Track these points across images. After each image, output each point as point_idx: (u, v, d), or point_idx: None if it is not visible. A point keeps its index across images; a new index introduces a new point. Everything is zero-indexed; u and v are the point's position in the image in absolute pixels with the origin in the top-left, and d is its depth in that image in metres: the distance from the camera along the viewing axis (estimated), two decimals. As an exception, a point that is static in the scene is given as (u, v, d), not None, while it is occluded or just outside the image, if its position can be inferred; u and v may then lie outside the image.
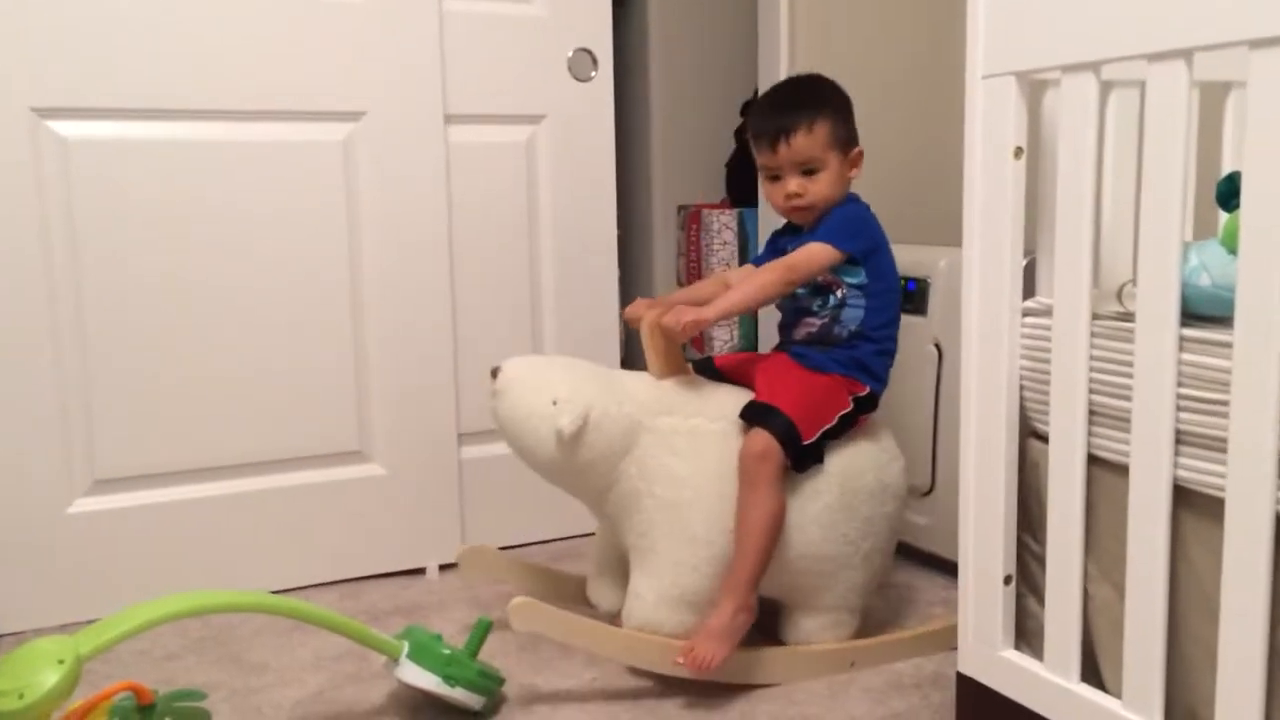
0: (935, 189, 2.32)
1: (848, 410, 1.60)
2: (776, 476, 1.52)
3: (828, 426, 1.58)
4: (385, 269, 2.01)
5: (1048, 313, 1.17)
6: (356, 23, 1.94)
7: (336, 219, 1.97)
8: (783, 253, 1.68)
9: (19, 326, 1.78)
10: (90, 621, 1.30)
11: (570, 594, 1.78)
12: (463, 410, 2.10)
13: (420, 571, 2.08)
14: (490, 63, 2.08)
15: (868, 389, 1.64)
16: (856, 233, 1.63)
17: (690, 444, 1.57)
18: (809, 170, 1.63)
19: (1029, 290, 1.24)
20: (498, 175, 2.12)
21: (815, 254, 1.60)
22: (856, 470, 1.62)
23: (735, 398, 1.61)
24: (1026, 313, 1.21)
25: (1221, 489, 0.97)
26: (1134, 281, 1.12)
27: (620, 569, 1.69)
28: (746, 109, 2.79)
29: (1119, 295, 1.14)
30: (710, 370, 1.71)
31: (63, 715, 1.26)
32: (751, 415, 1.56)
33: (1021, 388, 1.21)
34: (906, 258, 2.08)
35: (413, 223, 2.02)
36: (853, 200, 1.69)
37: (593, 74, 2.17)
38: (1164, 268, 1.01)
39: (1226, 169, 1.31)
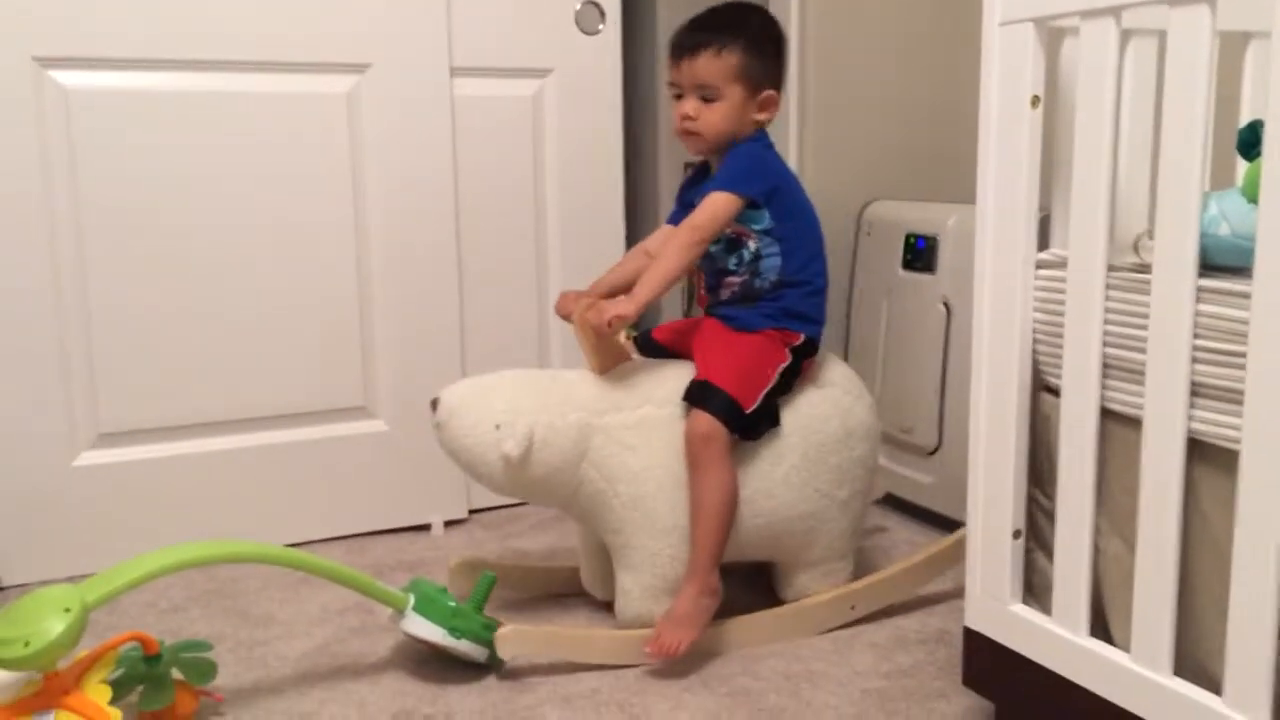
0: (945, 146, 2.30)
1: (786, 362, 1.57)
2: (723, 455, 1.50)
3: (769, 387, 1.55)
4: (389, 223, 2.00)
5: (1062, 265, 1.15)
6: (361, -28, 1.92)
7: (340, 172, 1.96)
8: (690, 205, 1.64)
9: (21, 280, 1.77)
10: (96, 573, 1.30)
11: (565, 585, 1.77)
12: (468, 366, 2.09)
13: (425, 528, 2.08)
14: (497, 15, 2.06)
15: (802, 336, 1.60)
16: (752, 174, 1.57)
17: (642, 435, 1.54)
18: (707, 97, 1.58)
19: (1041, 245, 1.22)
20: (504, 129, 2.10)
21: (715, 206, 1.54)
22: (818, 420, 1.60)
23: (679, 378, 1.57)
24: (1040, 265, 1.19)
25: (1236, 441, 0.96)
26: (1150, 233, 1.10)
27: (607, 558, 1.66)
28: (755, 65, 2.76)
29: (1135, 246, 1.12)
30: (651, 346, 1.68)
31: (69, 664, 1.27)
32: (690, 397, 1.53)
33: (1034, 340, 1.20)
34: (916, 215, 2.08)
35: (418, 177, 2.01)
36: (754, 140, 1.62)
37: (600, 27, 2.14)
38: (1183, 217, 1.00)
39: (1245, 120, 1.29)
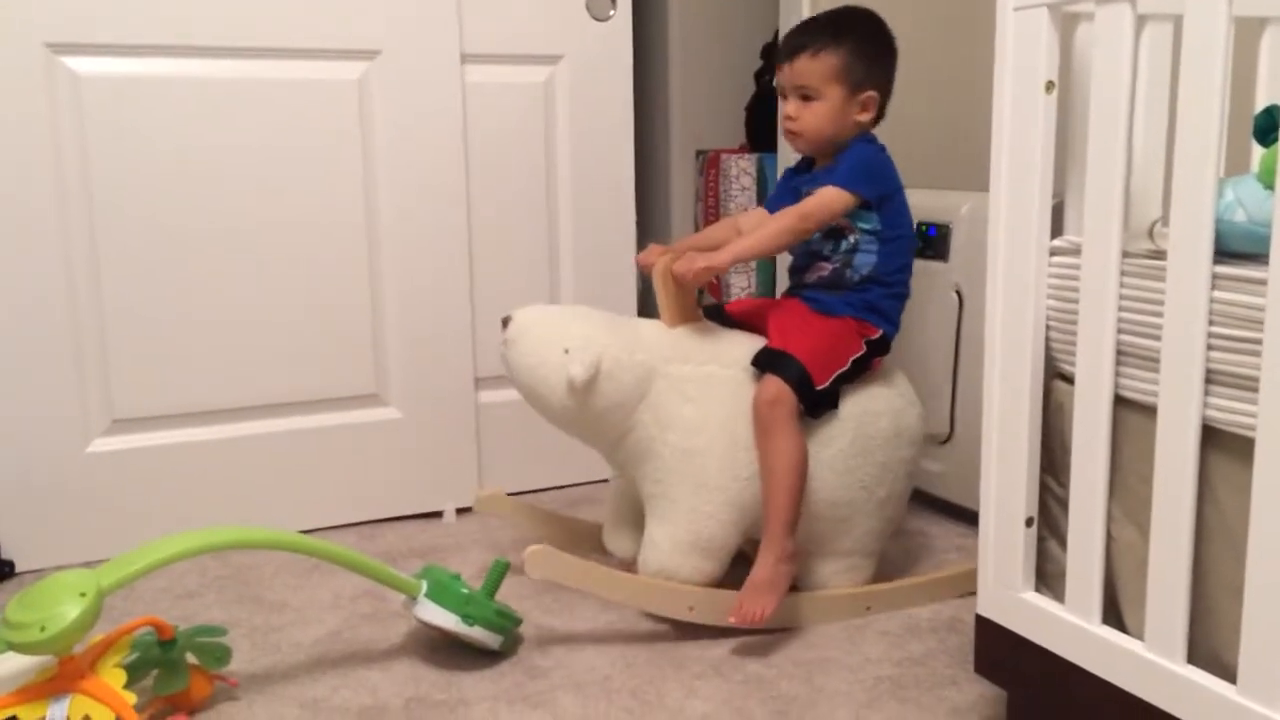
0: (958, 134, 2.29)
1: (860, 353, 1.59)
2: (791, 421, 1.52)
3: (841, 370, 1.57)
4: (401, 210, 2.00)
5: (1076, 251, 1.15)
6: (372, -41, 1.91)
7: (351, 159, 1.96)
8: (795, 191, 1.66)
9: (34, 267, 1.78)
10: (111, 559, 1.31)
11: (586, 540, 1.79)
12: (479, 354, 2.09)
13: (437, 515, 2.09)
14: (507, 2, 2.05)
15: (880, 331, 1.63)
16: (871, 177, 1.60)
17: (704, 390, 1.56)
18: (806, 96, 1.61)
19: (1054, 231, 1.21)
20: (514, 116, 2.10)
21: (829, 200, 1.58)
22: (872, 415, 1.61)
23: (748, 344, 1.60)
24: (1054, 252, 1.19)
25: (1252, 429, 0.96)
26: (1164, 220, 1.10)
27: (635, 517, 1.69)
28: (767, 51, 2.75)
29: (1150, 233, 1.12)
30: (722, 317, 1.70)
31: (84, 649, 1.27)
32: (763, 361, 1.55)
33: (1048, 328, 1.20)
34: (928, 203, 2.07)
35: (429, 164, 2.01)
36: (867, 141, 1.66)
37: (611, 13, 2.13)
38: (1199, 204, 0.99)
39: (1260, 105, 1.28)
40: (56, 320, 1.80)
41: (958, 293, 1.97)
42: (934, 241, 2.02)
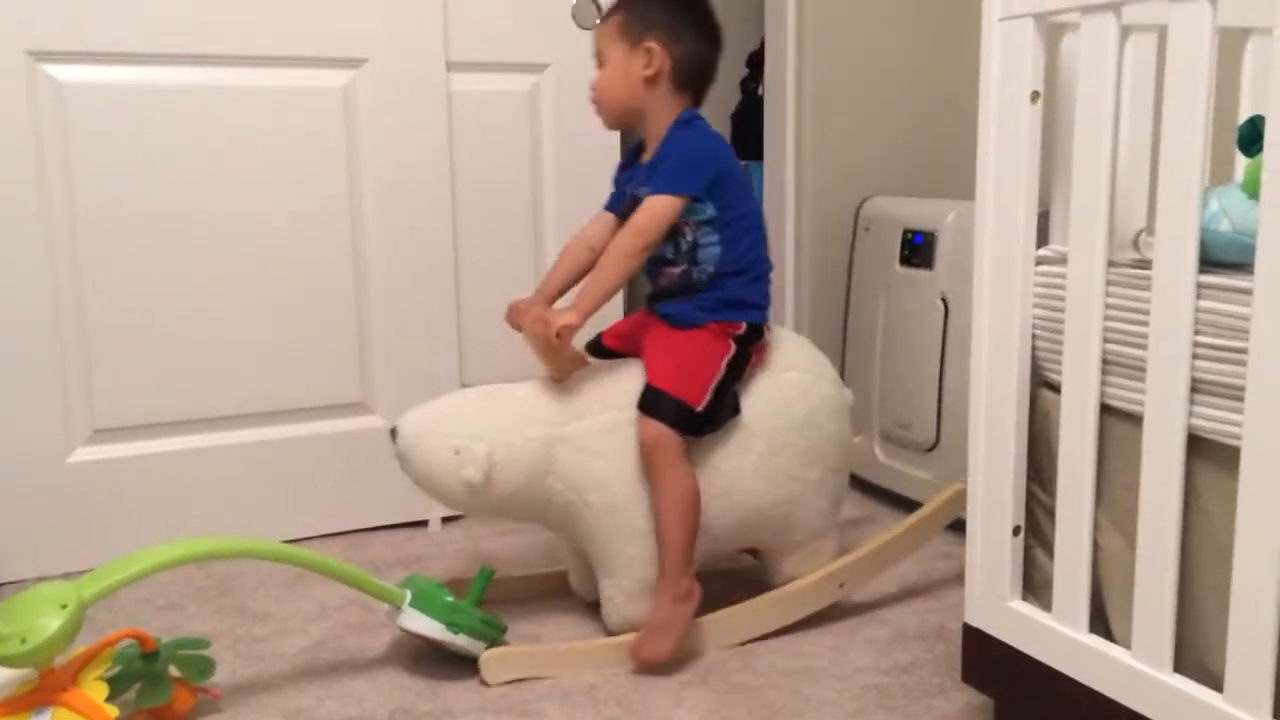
0: (944, 142, 2.29)
1: (731, 353, 1.55)
2: (675, 459, 1.49)
3: (716, 381, 1.53)
4: (387, 219, 1.99)
5: (1062, 260, 1.15)
6: (357, -33, 1.91)
7: (336, 167, 1.95)
8: (620, 194, 1.63)
9: (16, 276, 1.76)
10: (92, 569, 1.30)
11: (555, 589, 1.76)
12: (465, 361, 2.09)
13: (423, 524, 2.08)
14: (493, 10, 2.05)
15: (744, 324, 1.57)
16: (692, 168, 1.52)
17: (608, 441, 1.53)
18: (600, 64, 1.60)
19: (1040, 240, 1.22)
20: (500, 125, 2.10)
21: (659, 210, 1.51)
22: (780, 406, 1.58)
23: (637, 378, 1.55)
24: (1040, 261, 1.19)
25: (1238, 437, 0.96)
26: (1148, 230, 1.10)
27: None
28: (753, 60, 2.76)
29: (1135, 242, 1.12)
30: (602, 352, 1.66)
31: (65, 661, 1.26)
32: (640, 405, 1.51)
33: (1033, 337, 1.20)
34: (914, 211, 2.08)
35: (414, 172, 2.00)
36: (682, 125, 1.57)
37: (597, 22, 2.13)
38: (1184, 213, 1.00)
39: (1244, 116, 1.29)
40: (38, 329, 1.79)
41: (943, 300, 1.97)
42: (920, 250, 2.03)
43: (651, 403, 1.50)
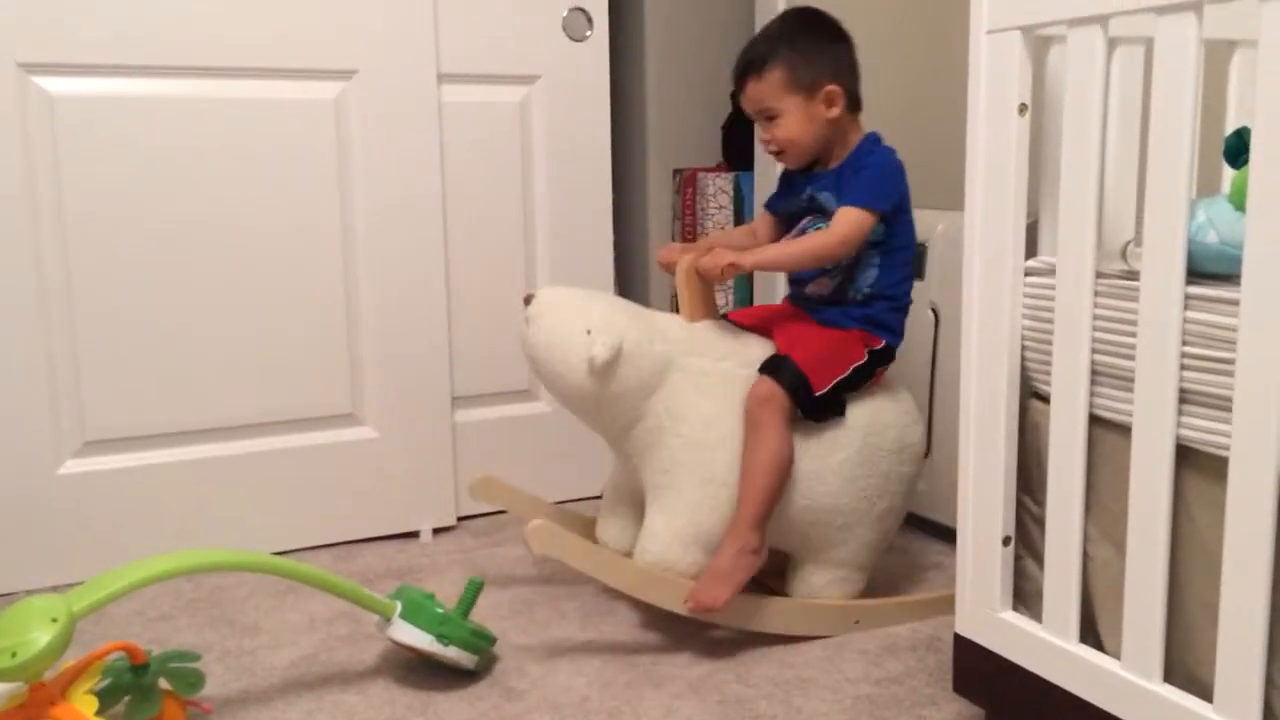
0: (932, 152, 2.30)
1: (861, 361, 1.60)
2: (779, 421, 1.53)
3: (841, 377, 1.58)
4: (377, 229, 1.99)
5: (1050, 272, 1.15)
6: (348, -21, 1.91)
7: (327, 179, 1.95)
8: (797, 190, 1.67)
9: (6, 287, 1.76)
10: (82, 582, 1.29)
11: (579, 532, 1.76)
12: (456, 373, 2.09)
13: (414, 535, 2.07)
14: (484, 22, 2.05)
15: (883, 342, 1.64)
16: (887, 188, 1.60)
17: (719, 386, 1.57)
18: (770, 117, 1.62)
19: (1028, 254, 1.22)
20: (491, 136, 2.10)
21: (863, 224, 1.57)
22: (879, 426, 1.62)
23: (764, 347, 1.62)
24: (1028, 272, 1.19)
25: (1226, 448, 0.97)
26: (1136, 241, 1.11)
27: (630, 509, 1.70)
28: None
29: (1123, 254, 1.13)
30: (732, 325, 1.70)
31: (55, 675, 1.26)
32: (764, 367, 1.57)
33: (1023, 348, 1.20)
34: (904, 221, 2.07)
35: (406, 183, 2.00)
36: (875, 145, 1.65)
37: (588, 34, 2.14)
38: (1171, 224, 1.00)
39: (1230, 128, 1.30)
40: (28, 341, 1.78)
41: (934, 310, 1.98)
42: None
43: (776, 367, 1.56)
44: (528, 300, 1.59)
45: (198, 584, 1.83)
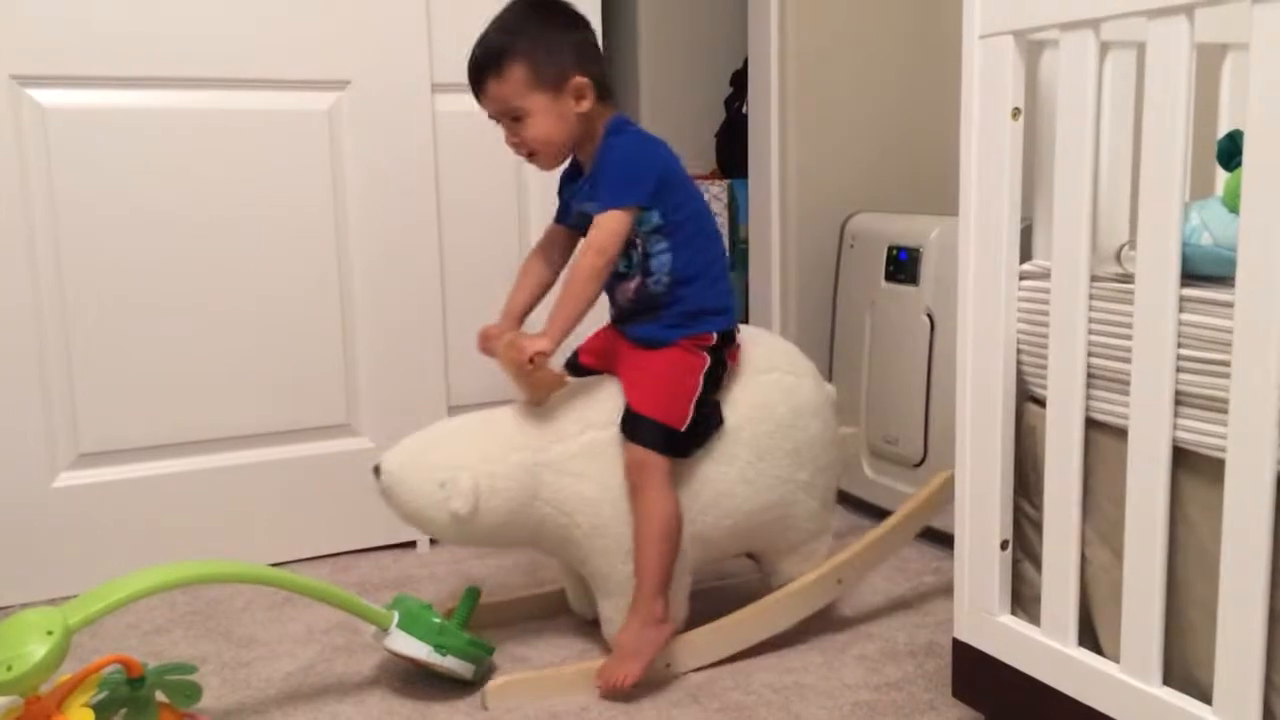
0: (927, 159, 2.31)
1: (706, 365, 1.54)
2: (660, 480, 1.48)
3: (696, 397, 1.52)
4: (372, 239, 1.99)
5: (1045, 275, 1.16)
6: (341, -11, 1.91)
7: (322, 189, 1.95)
8: (567, 207, 1.62)
9: (0, 299, 1.75)
10: (77, 595, 1.29)
11: (554, 608, 1.75)
12: (452, 382, 2.08)
13: (411, 545, 2.07)
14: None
15: (713, 334, 1.55)
16: (633, 178, 1.49)
17: (590, 462, 1.52)
18: (516, 118, 1.51)
19: (1023, 257, 1.22)
20: (485, 145, 2.07)
21: (613, 226, 1.48)
22: (763, 410, 1.58)
23: (614, 396, 1.55)
24: (1023, 276, 1.20)
25: (1222, 450, 0.97)
26: (1132, 244, 1.11)
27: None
28: (737, 78, 2.77)
29: (1117, 257, 1.13)
30: (579, 370, 1.64)
31: (51, 688, 1.25)
32: (624, 430, 1.51)
33: (1019, 352, 1.21)
34: (899, 227, 2.09)
35: (399, 193, 2.00)
36: (615, 132, 1.54)
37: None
38: (1165, 227, 1.00)
39: (1223, 130, 1.30)
40: (22, 353, 1.78)
41: (929, 315, 1.98)
42: (905, 265, 2.03)
43: (634, 428, 1.50)
44: (376, 472, 1.53)
45: (193, 596, 1.83)
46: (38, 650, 1.17)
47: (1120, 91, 1.18)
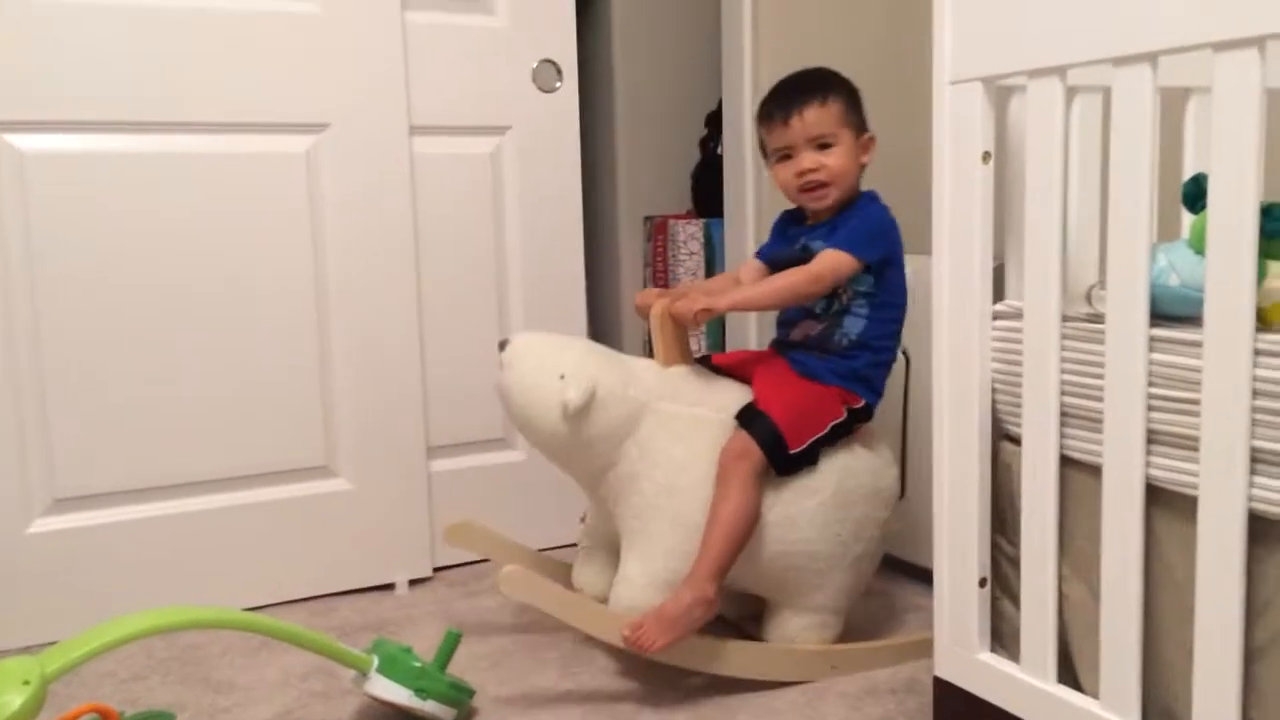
0: (900, 198, 2.33)
1: (840, 419, 1.60)
2: (751, 477, 1.53)
3: (819, 435, 1.58)
4: (350, 281, 1.99)
5: (1018, 315, 1.17)
6: (319, 34, 1.93)
7: (300, 231, 1.95)
8: (789, 240, 1.68)
9: (-24, 343, 1.75)
10: (54, 642, 1.28)
11: (554, 577, 1.76)
12: (431, 423, 2.08)
13: (390, 587, 2.06)
14: (455, 74, 2.07)
15: (863, 401, 1.63)
16: (877, 240, 1.61)
17: (692, 431, 1.58)
18: (824, 145, 1.61)
19: (996, 295, 1.24)
20: (463, 187, 2.11)
21: (840, 265, 1.57)
22: (853, 471, 1.63)
23: (738, 392, 1.62)
24: (996, 316, 1.22)
25: (1194, 487, 0.98)
26: (1101, 284, 1.13)
27: (607, 554, 1.70)
28: (711, 120, 2.80)
29: (1087, 297, 1.15)
30: (710, 368, 1.71)
31: (27, 738, 1.23)
32: (741, 418, 1.57)
33: (993, 390, 1.22)
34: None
35: (378, 235, 2.01)
36: (873, 200, 1.67)
37: (558, 85, 2.16)
38: (1133, 268, 1.02)
39: (1188, 173, 1.33)
40: (-3, 398, 1.77)
41: (904, 353, 2.00)
42: (879, 303, 2.05)
43: (752, 421, 1.55)
44: (502, 345, 1.60)
45: (170, 642, 1.81)
46: (14, 700, 1.16)
47: (1087, 135, 1.21)
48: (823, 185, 1.62)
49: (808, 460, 1.58)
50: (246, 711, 1.57)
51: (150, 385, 1.87)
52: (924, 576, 1.96)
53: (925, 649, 1.67)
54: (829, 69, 1.69)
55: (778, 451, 1.54)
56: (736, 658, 1.59)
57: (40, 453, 1.81)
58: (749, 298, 1.63)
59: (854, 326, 1.63)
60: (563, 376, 1.54)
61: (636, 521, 1.58)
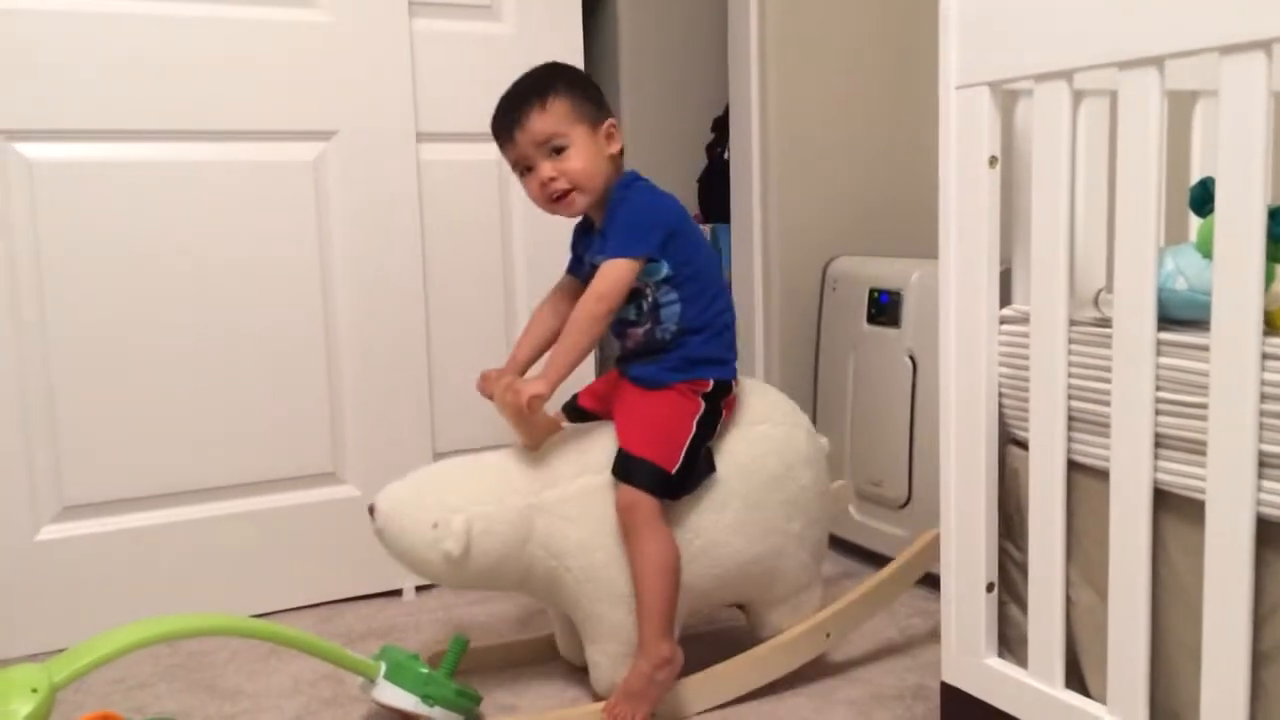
0: (908, 202, 2.33)
1: (701, 411, 1.55)
2: (652, 521, 1.48)
3: (689, 441, 1.52)
4: (358, 288, 2.00)
5: (1025, 320, 1.17)
6: (326, 42, 1.93)
7: (308, 239, 1.96)
8: (579, 260, 1.65)
9: (-15, 351, 1.75)
10: (62, 650, 1.28)
11: (544, 654, 1.75)
12: (437, 429, 2.08)
13: (397, 593, 2.06)
14: (462, 81, 2.07)
15: (711, 381, 1.56)
16: (643, 230, 1.52)
17: (583, 506, 1.52)
18: (557, 149, 1.53)
19: (1003, 300, 1.24)
20: (471, 193, 2.11)
21: (618, 274, 1.50)
22: (755, 461, 1.58)
23: (610, 439, 1.55)
24: (1003, 320, 1.21)
25: (1202, 491, 0.98)
26: (1109, 288, 1.13)
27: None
28: (718, 124, 2.80)
29: (1095, 301, 1.15)
30: (578, 412, 1.66)
31: (34, 745, 1.24)
32: (616, 472, 1.51)
33: (1000, 395, 1.22)
34: (880, 270, 2.11)
35: (385, 242, 2.01)
36: (630, 185, 1.57)
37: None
38: (1140, 273, 1.02)
39: (1195, 177, 1.33)
40: (4, 405, 1.77)
41: (911, 358, 2.00)
42: (886, 308, 2.05)
43: (625, 468, 1.50)
44: (371, 513, 1.54)
45: (176, 649, 1.81)
46: (22, 709, 1.16)
47: (1094, 139, 1.21)
48: (566, 193, 1.55)
49: (700, 470, 1.53)
50: (254, 718, 1.57)
51: (158, 393, 1.87)
52: (928, 581, 1.95)
53: (904, 580, 1.69)
54: (550, 65, 1.62)
55: (662, 483, 1.49)
56: (743, 676, 1.58)
57: (48, 460, 1.81)
58: (563, 360, 1.51)
59: (670, 316, 1.56)
60: (435, 525, 1.49)
61: (576, 611, 1.56)
